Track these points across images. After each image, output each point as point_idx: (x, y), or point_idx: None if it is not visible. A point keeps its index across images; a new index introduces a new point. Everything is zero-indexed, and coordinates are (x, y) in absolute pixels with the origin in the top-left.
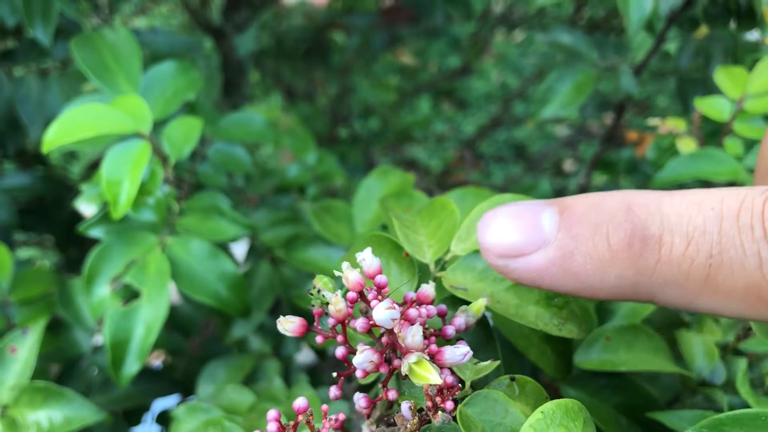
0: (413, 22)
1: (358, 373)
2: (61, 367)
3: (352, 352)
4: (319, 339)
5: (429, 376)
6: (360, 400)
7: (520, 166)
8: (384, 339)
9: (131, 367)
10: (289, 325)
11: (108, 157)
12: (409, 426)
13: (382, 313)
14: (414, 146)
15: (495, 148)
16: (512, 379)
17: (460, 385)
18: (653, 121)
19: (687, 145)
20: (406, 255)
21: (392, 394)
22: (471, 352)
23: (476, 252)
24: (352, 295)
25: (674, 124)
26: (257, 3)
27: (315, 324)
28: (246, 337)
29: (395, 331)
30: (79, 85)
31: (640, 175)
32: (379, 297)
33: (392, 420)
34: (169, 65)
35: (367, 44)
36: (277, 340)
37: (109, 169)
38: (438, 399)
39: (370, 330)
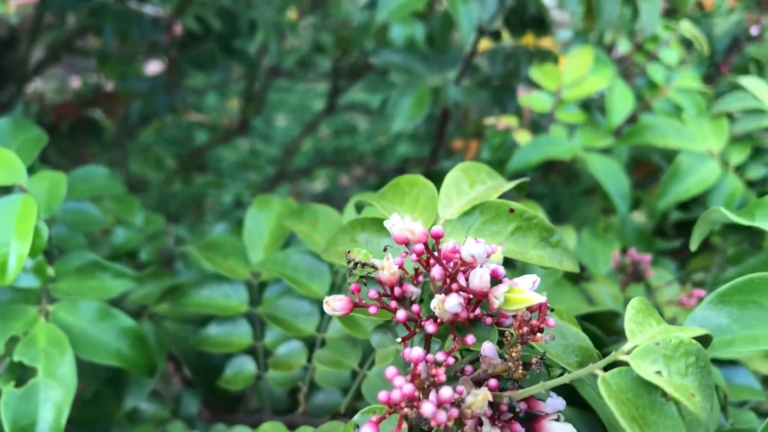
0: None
1: (430, 328)
2: None
3: (413, 313)
4: (372, 310)
5: (527, 296)
6: (438, 354)
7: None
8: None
9: None
10: (337, 303)
11: None
12: (496, 365)
13: (475, 247)
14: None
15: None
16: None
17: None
18: (489, 121)
19: (523, 137)
20: None
21: (471, 339)
22: (539, 279)
23: (466, 213)
24: (419, 247)
25: (508, 121)
26: (21, 79)
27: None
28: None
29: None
30: None
31: None
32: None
33: (460, 373)
34: (4, 121)
35: (151, 107)
36: (176, 402)
37: None
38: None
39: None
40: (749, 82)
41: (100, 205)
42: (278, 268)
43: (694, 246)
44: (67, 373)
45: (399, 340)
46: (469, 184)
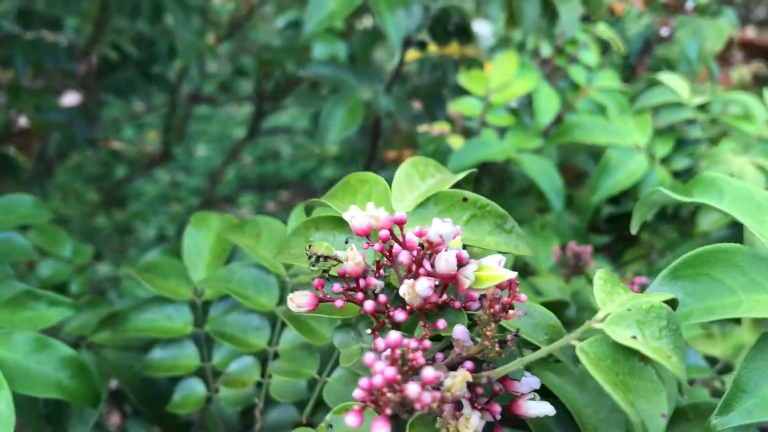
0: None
1: (400, 316)
2: None
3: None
4: (339, 303)
5: (498, 273)
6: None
7: None
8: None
9: None
10: (302, 299)
11: None
12: (470, 347)
13: (443, 227)
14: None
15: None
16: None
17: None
18: (423, 128)
19: (457, 142)
20: None
21: (442, 323)
22: (504, 258)
23: (420, 205)
24: (384, 233)
25: (441, 127)
26: None
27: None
28: None
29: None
30: None
31: None
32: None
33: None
34: None
35: (69, 139)
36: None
37: None
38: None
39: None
40: (667, 77)
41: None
42: (224, 283)
43: (634, 229)
44: (4, 411)
45: (369, 331)
46: (419, 177)
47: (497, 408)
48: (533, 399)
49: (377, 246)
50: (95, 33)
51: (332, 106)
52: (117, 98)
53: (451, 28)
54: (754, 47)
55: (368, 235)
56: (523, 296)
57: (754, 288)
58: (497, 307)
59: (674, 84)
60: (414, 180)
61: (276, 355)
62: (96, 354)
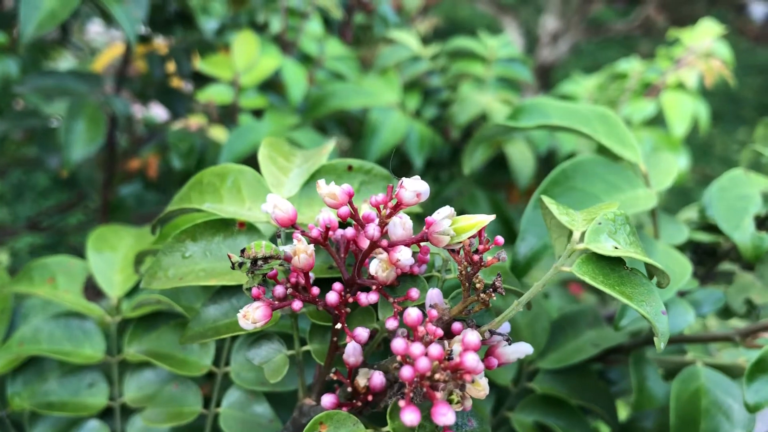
0: None
1: (372, 297)
2: None
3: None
4: (297, 304)
5: (476, 219)
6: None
7: None
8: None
9: None
10: (257, 312)
11: None
12: (451, 309)
13: (418, 184)
14: None
15: None
16: None
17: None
18: (177, 125)
19: (219, 133)
20: (241, 225)
21: (415, 292)
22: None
23: (306, 184)
24: (344, 210)
25: (198, 120)
26: None
27: (272, 298)
28: None
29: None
30: None
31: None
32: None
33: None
34: None
35: None
36: None
37: None
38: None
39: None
40: (398, 35)
41: None
42: (32, 347)
43: (467, 169)
44: None
45: (338, 326)
46: (284, 158)
47: (494, 361)
48: (509, 342)
49: (331, 223)
50: None
51: (69, 119)
52: None
53: (171, 16)
54: None
55: (293, 224)
56: (500, 238)
57: (614, 190)
58: (477, 257)
59: (406, 39)
60: (280, 162)
61: (125, 408)
62: None
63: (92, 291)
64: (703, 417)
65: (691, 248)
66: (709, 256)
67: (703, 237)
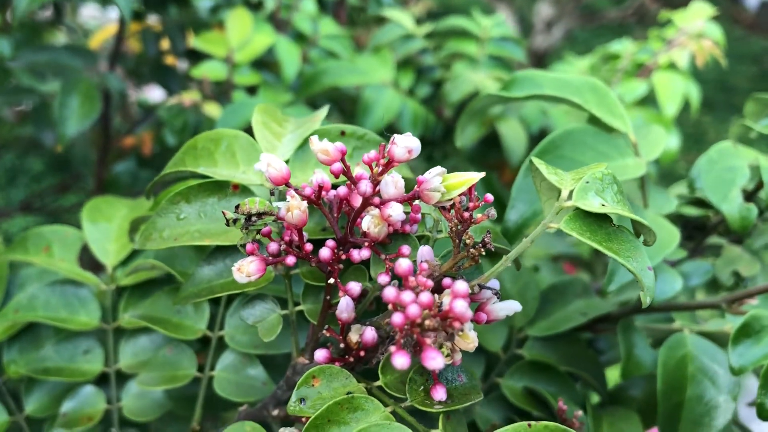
0: None
1: (365, 254)
2: None
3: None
4: (290, 259)
5: (466, 177)
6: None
7: None
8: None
9: None
10: (251, 266)
11: None
12: (441, 265)
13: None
14: None
15: None
16: None
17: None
18: (172, 101)
19: (213, 109)
20: (234, 187)
21: (406, 249)
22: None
23: (299, 148)
24: (337, 166)
25: (192, 96)
26: None
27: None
28: None
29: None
30: None
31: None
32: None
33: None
34: None
35: None
36: None
37: None
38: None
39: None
40: (392, 13)
41: None
42: (28, 314)
43: (459, 142)
44: None
45: (331, 281)
46: (276, 123)
47: (484, 317)
48: (498, 298)
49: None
50: None
51: (64, 95)
52: None
53: None
54: None
55: (287, 182)
56: (489, 196)
57: (604, 158)
58: (467, 214)
59: (400, 18)
60: (273, 127)
61: (120, 374)
62: None
63: (88, 265)
64: (689, 383)
65: (681, 223)
66: (698, 231)
67: (692, 211)
